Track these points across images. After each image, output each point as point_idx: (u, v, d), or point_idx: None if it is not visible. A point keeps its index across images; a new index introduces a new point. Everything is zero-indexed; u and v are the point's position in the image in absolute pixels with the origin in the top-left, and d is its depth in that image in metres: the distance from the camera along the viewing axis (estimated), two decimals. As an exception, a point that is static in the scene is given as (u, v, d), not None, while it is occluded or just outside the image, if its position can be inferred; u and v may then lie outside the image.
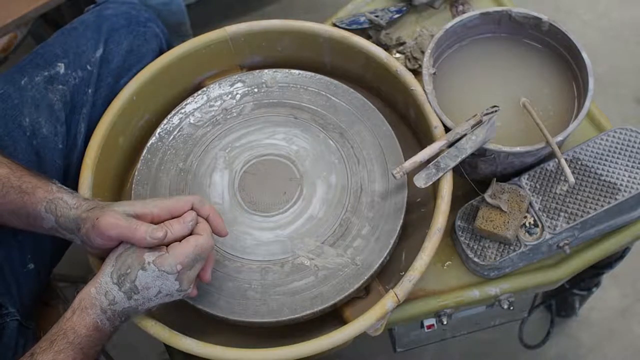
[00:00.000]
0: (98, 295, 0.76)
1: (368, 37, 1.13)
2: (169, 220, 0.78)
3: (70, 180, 0.98)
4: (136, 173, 0.98)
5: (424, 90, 0.94)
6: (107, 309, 0.75)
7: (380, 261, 0.88)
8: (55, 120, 0.97)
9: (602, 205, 0.91)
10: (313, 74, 1.04)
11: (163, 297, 0.77)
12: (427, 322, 1.00)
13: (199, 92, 1.03)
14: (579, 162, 0.94)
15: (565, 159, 0.94)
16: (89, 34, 1.02)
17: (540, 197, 0.93)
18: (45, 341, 0.74)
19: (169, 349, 0.98)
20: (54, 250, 1.01)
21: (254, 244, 0.91)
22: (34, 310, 1.01)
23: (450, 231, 0.98)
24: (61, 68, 0.99)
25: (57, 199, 0.81)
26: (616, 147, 0.94)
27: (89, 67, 1.00)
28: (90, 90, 1.00)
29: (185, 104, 1.02)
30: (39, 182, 0.82)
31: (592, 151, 0.95)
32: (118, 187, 1.03)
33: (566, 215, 0.92)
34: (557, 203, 0.92)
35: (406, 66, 1.08)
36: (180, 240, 0.77)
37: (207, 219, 0.81)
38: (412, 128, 1.04)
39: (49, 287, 1.06)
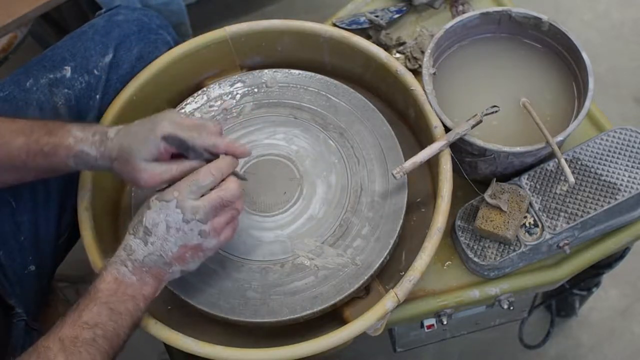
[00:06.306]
0: (118, 252, 0.78)
1: (368, 37, 1.13)
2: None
3: (73, 182, 0.98)
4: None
5: (424, 90, 0.94)
6: (126, 259, 0.77)
7: (380, 261, 0.88)
8: None
9: (602, 205, 0.91)
10: (313, 74, 1.03)
11: (177, 235, 0.77)
12: (427, 322, 1.00)
13: (199, 92, 1.03)
14: (579, 162, 0.94)
15: (565, 159, 0.94)
16: (98, 38, 1.01)
17: (540, 197, 0.93)
18: (75, 304, 0.75)
19: (169, 349, 0.98)
20: (55, 253, 1.00)
21: (254, 244, 0.91)
22: (38, 310, 1.01)
23: (450, 231, 0.98)
24: (67, 71, 0.98)
25: (79, 154, 0.83)
26: (616, 147, 0.94)
27: (96, 71, 0.99)
28: (97, 96, 0.99)
29: (185, 104, 1.02)
30: (55, 139, 0.83)
31: (592, 151, 0.95)
32: (118, 186, 1.03)
33: (566, 215, 0.92)
34: (557, 203, 0.92)
35: (406, 66, 1.08)
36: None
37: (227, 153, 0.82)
38: (412, 128, 1.04)
39: (49, 287, 1.06)
